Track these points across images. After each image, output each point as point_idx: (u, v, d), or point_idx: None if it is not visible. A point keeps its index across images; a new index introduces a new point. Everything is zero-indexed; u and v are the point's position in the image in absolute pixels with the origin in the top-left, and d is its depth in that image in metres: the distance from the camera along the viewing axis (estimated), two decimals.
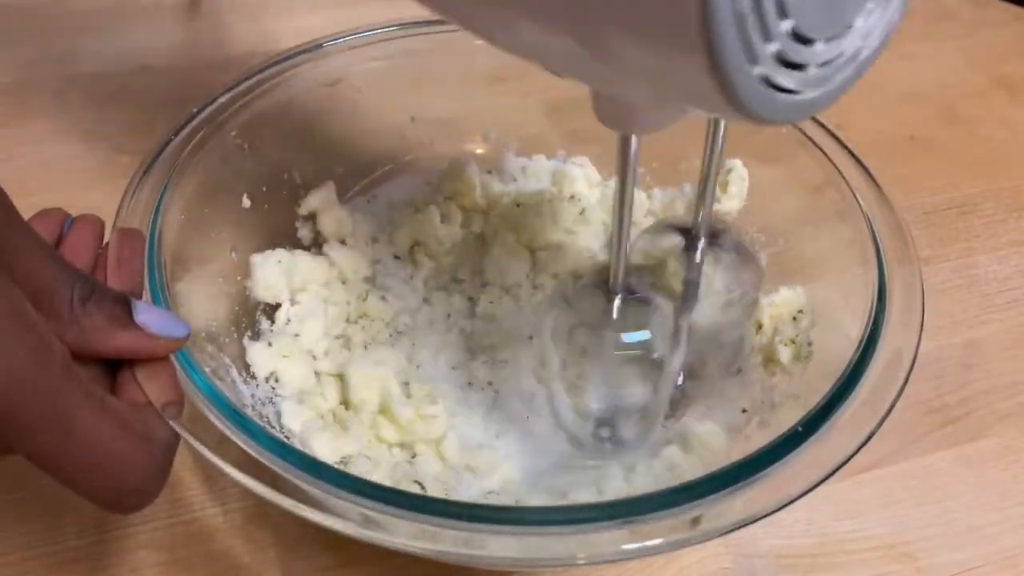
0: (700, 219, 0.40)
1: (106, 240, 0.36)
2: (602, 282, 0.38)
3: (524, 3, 0.24)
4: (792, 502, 0.30)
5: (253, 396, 0.40)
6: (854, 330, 0.36)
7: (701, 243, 0.40)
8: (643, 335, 0.38)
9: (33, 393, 0.25)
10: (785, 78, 0.24)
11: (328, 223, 0.47)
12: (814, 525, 0.42)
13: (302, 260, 0.45)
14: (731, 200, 0.46)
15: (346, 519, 0.29)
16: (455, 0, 0.27)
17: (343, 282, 0.46)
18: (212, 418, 0.32)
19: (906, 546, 0.42)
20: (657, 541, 0.29)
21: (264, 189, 0.46)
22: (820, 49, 0.24)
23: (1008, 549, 0.42)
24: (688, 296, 0.41)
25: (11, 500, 0.40)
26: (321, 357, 0.43)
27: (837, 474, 0.31)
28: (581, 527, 0.30)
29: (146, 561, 0.39)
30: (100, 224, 0.36)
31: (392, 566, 0.39)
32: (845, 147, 0.43)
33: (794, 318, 0.42)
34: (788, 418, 0.34)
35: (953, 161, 0.62)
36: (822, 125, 0.44)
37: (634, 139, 0.32)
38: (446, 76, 0.50)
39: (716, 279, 0.41)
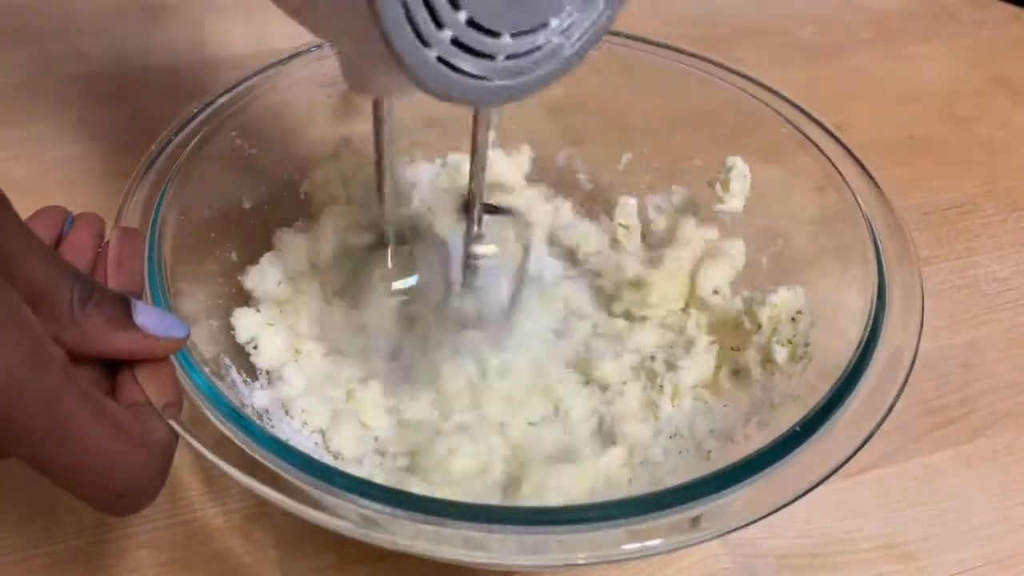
0: (473, 194, 0.41)
1: (106, 239, 0.36)
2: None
3: None
4: (792, 502, 0.30)
5: (253, 396, 0.40)
6: (854, 330, 0.36)
7: (475, 217, 0.42)
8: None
9: (30, 396, 0.24)
10: (468, 64, 0.26)
11: (323, 196, 0.47)
12: (814, 525, 0.42)
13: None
14: (734, 198, 0.46)
15: (346, 519, 0.29)
16: None
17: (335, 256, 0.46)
18: (212, 418, 0.32)
19: (906, 546, 0.42)
20: (657, 541, 0.29)
21: (264, 189, 0.46)
22: (507, 42, 0.26)
23: (1008, 549, 0.42)
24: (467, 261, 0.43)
25: (11, 500, 0.40)
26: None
27: (837, 474, 0.31)
28: (581, 527, 0.30)
29: (146, 561, 0.39)
30: (100, 223, 0.36)
31: (392, 566, 0.39)
32: (845, 147, 0.43)
33: (793, 319, 0.42)
34: (788, 418, 0.34)
35: (953, 161, 0.62)
36: (822, 125, 0.44)
37: (384, 101, 0.35)
38: None
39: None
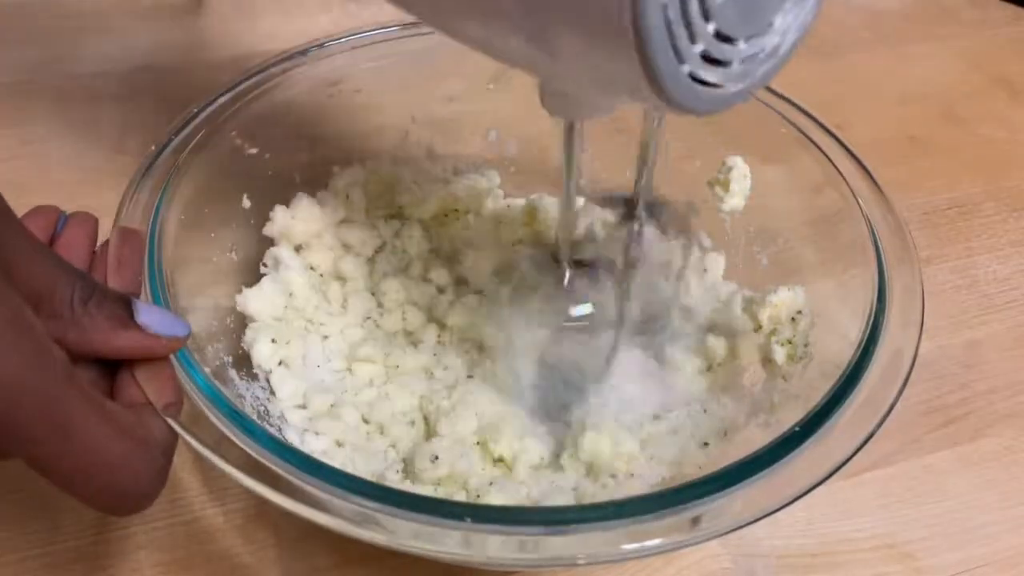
0: (639, 193, 0.42)
1: (101, 238, 0.36)
2: (550, 255, 0.41)
3: (482, 6, 0.27)
4: (792, 502, 0.30)
5: (253, 396, 0.40)
6: (854, 330, 0.36)
7: (641, 216, 0.43)
8: (588, 308, 0.42)
9: (31, 397, 0.24)
10: (710, 74, 0.26)
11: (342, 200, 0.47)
12: (814, 525, 0.42)
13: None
14: (733, 198, 0.46)
15: (346, 519, 0.29)
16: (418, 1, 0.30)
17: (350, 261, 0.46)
18: (212, 418, 0.32)
19: (906, 546, 0.42)
20: (657, 541, 0.29)
21: (264, 189, 0.46)
22: (742, 47, 0.26)
23: (1008, 549, 0.42)
24: (628, 264, 0.44)
25: (11, 500, 0.40)
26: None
27: (837, 474, 0.31)
28: (581, 527, 0.30)
29: (146, 561, 0.39)
30: (94, 222, 0.36)
31: (392, 566, 0.39)
32: (845, 147, 0.43)
33: (793, 319, 0.42)
34: (788, 418, 0.34)
35: (953, 161, 0.62)
36: (822, 125, 0.44)
37: (576, 122, 0.35)
38: (446, 76, 0.50)
39: (652, 248, 0.44)
